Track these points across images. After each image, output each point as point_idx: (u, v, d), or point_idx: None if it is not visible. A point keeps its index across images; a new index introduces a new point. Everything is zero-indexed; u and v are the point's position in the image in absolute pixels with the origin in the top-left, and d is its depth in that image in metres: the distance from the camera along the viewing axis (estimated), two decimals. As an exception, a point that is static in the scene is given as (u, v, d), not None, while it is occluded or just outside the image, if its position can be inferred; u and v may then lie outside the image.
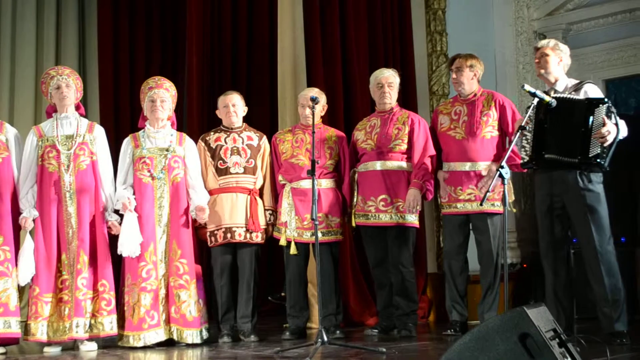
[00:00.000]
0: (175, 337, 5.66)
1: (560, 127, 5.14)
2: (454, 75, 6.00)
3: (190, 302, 5.68)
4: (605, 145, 5.06)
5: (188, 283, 5.69)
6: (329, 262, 5.92)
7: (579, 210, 5.21)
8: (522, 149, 5.33)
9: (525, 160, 5.31)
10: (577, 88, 5.31)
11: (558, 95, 5.24)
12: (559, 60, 5.42)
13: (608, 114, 5.06)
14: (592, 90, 5.28)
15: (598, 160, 5.07)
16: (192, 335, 5.66)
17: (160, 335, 5.63)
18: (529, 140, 5.25)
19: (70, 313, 5.52)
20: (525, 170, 5.83)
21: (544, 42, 5.52)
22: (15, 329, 5.49)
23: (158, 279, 5.68)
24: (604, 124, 5.02)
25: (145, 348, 5.56)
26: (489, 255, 5.84)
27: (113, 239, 5.75)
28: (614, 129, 5.05)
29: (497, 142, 5.88)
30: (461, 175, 5.87)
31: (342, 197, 6.06)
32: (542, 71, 5.42)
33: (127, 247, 5.62)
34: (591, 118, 5.04)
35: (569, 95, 5.23)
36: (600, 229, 5.18)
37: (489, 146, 5.86)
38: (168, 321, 5.68)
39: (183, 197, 5.79)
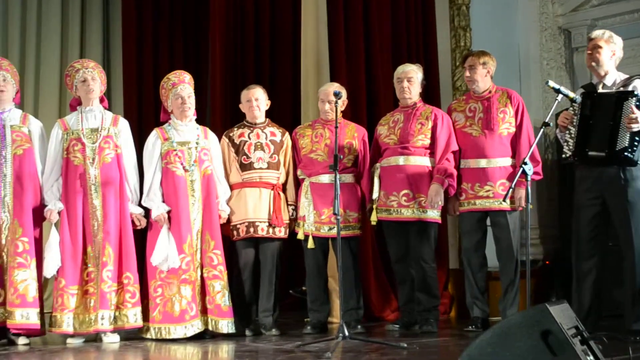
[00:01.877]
0: (210, 328, 5.69)
1: (604, 123, 5.09)
2: (467, 73, 5.99)
3: (224, 292, 5.72)
4: (635, 132, 4.98)
5: (222, 273, 5.73)
6: (347, 256, 5.92)
7: (619, 206, 5.16)
8: (565, 143, 5.28)
9: (567, 155, 5.27)
10: (625, 83, 5.23)
11: (606, 91, 5.17)
12: (611, 54, 5.32)
13: (638, 106, 5.00)
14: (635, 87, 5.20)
15: (625, 153, 5.02)
16: (228, 325, 5.69)
17: (196, 327, 5.66)
18: (573, 135, 5.21)
19: (95, 305, 5.56)
20: (541, 178, 5.83)
21: (598, 32, 5.40)
22: (33, 320, 5.52)
23: (197, 271, 5.72)
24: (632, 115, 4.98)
25: (169, 341, 5.59)
26: (509, 251, 5.83)
27: (137, 232, 5.79)
28: None
29: (512, 139, 5.86)
30: (479, 172, 5.85)
31: (361, 192, 6.07)
32: (594, 64, 5.32)
33: (169, 262, 5.66)
34: (620, 111, 5.00)
35: (606, 91, 5.17)
36: (639, 227, 5.14)
37: (506, 143, 5.85)
38: (204, 312, 5.71)
39: (214, 189, 5.83)
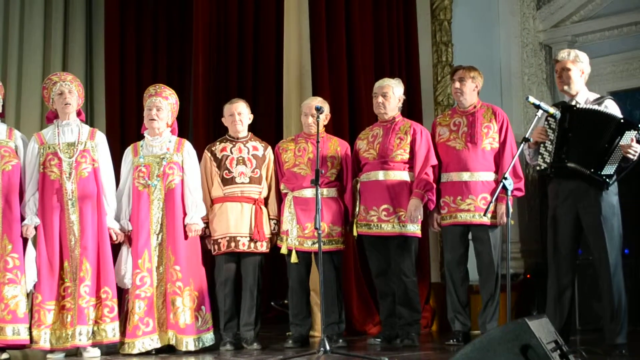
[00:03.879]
0: (173, 343, 5.66)
1: (585, 137, 5.11)
2: (456, 85, 6.01)
3: (184, 309, 5.66)
4: (627, 160, 5.03)
5: (181, 290, 5.67)
6: (330, 271, 5.93)
7: (592, 221, 5.19)
8: (540, 157, 5.31)
9: (543, 167, 5.30)
10: (597, 103, 5.26)
11: (587, 106, 5.19)
12: (580, 73, 5.34)
13: (638, 141, 5.04)
14: (612, 107, 5.23)
15: (607, 180, 5.08)
16: (187, 342, 5.63)
17: (155, 342, 5.64)
18: (548, 149, 5.25)
19: (72, 320, 5.53)
20: (523, 194, 5.87)
21: (564, 54, 5.39)
22: (24, 336, 5.51)
23: (153, 286, 5.68)
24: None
25: (145, 355, 5.57)
26: (490, 266, 5.86)
27: (114, 246, 5.77)
28: (638, 153, 5.04)
29: (496, 154, 5.90)
30: (461, 186, 5.88)
31: (344, 207, 6.08)
32: (566, 87, 5.34)
33: (127, 281, 5.70)
34: (619, 138, 5.03)
35: (594, 107, 5.19)
36: (613, 242, 5.16)
37: (489, 157, 5.89)
38: (167, 327, 5.68)
39: (178, 204, 5.76)
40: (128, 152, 5.91)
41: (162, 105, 5.86)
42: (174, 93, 5.99)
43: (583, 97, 5.34)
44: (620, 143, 5.03)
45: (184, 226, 5.75)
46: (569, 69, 5.32)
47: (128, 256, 5.74)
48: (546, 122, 5.28)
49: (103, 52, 8.68)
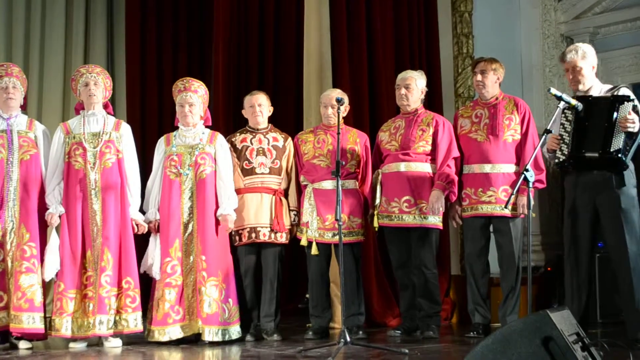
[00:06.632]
0: (200, 332, 5.68)
1: (596, 125, 5.09)
2: (478, 78, 5.99)
3: (207, 299, 5.68)
4: (629, 132, 5.00)
5: (205, 280, 5.70)
6: (350, 262, 5.93)
7: (611, 214, 5.16)
8: (559, 150, 5.29)
9: (561, 160, 5.28)
10: (612, 92, 5.24)
11: (597, 95, 5.19)
12: (591, 68, 5.32)
13: (635, 109, 5.02)
14: (626, 93, 5.21)
15: (619, 155, 5.03)
16: (210, 332, 5.65)
17: (184, 330, 5.68)
18: (566, 141, 5.22)
19: (94, 309, 5.57)
20: (544, 186, 5.84)
21: (571, 54, 5.35)
22: (39, 325, 5.55)
23: (183, 275, 5.72)
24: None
25: (169, 344, 5.61)
26: (511, 258, 5.84)
27: (137, 237, 5.80)
28: (638, 121, 5.01)
29: (517, 146, 5.88)
30: (482, 178, 5.87)
31: (364, 198, 6.08)
32: (580, 86, 5.31)
33: (155, 270, 5.72)
34: (615, 114, 5.01)
35: (601, 95, 5.18)
36: (633, 235, 5.13)
37: (510, 149, 5.87)
38: (197, 316, 5.69)
39: (210, 193, 5.80)
40: (161, 142, 5.97)
41: (194, 100, 5.90)
42: (202, 84, 6.03)
43: (597, 89, 5.32)
44: (618, 118, 4.99)
45: (215, 217, 5.79)
46: (580, 68, 5.30)
47: (156, 246, 5.76)
48: (563, 115, 5.26)
49: (124, 46, 8.70)
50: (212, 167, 5.84)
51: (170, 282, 5.69)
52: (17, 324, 5.51)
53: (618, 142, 5.02)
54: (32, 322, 5.53)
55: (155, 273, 5.72)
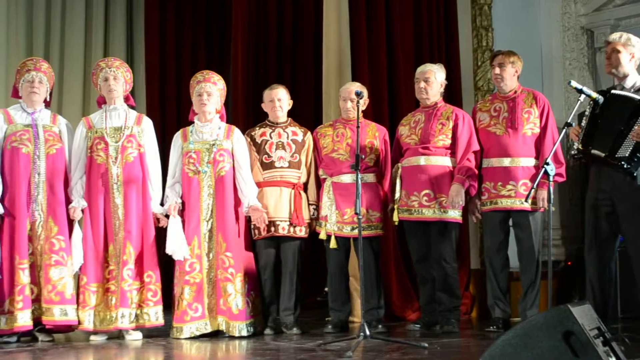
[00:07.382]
0: (223, 329, 5.71)
1: (610, 122, 5.05)
2: (496, 71, 5.96)
3: (236, 295, 5.70)
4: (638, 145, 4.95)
5: (233, 276, 5.72)
6: (369, 256, 5.93)
7: (628, 209, 5.12)
8: (577, 142, 5.26)
9: (574, 152, 5.25)
10: None
11: (620, 92, 5.13)
12: (630, 57, 5.24)
13: None
14: None
15: (622, 162, 4.99)
16: (239, 328, 5.67)
17: (204, 328, 5.70)
18: (582, 133, 5.20)
19: (116, 303, 5.61)
20: (564, 180, 5.82)
21: (615, 36, 5.33)
22: (72, 317, 5.61)
23: (202, 273, 5.74)
24: None
25: (190, 339, 5.63)
26: (530, 252, 5.82)
27: (159, 231, 5.83)
28: None
29: (537, 140, 5.85)
30: (501, 171, 5.85)
31: (383, 192, 6.07)
32: (613, 70, 5.25)
33: (176, 251, 5.69)
34: (635, 120, 4.96)
35: (624, 93, 5.13)
36: None
37: (530, 143, 5.84)
38: (217, 313, 5.72)
39: (229, 190, 5.81)
40: (177, 137, 5.97)
41: (212, 90, 5.89)
42: (221, 78, 6.04)
43: (632, 80, 5.24)
44: (636, 126, 4.93)
45: (235, 213, 5.79)
46: (618, 51, 5.22)
47: (177, 227, 5.72)
48: (588, 106, 5.21)
49: (143, 39, 8.74)
50: (230, 164, 5.85)
51: (189, 279, 5.71)
52: (49, 316, 5.57)
53: (626, 149, 4.98)
54: (64, 314, 5.58)
55: (182, 253, 5.69)
